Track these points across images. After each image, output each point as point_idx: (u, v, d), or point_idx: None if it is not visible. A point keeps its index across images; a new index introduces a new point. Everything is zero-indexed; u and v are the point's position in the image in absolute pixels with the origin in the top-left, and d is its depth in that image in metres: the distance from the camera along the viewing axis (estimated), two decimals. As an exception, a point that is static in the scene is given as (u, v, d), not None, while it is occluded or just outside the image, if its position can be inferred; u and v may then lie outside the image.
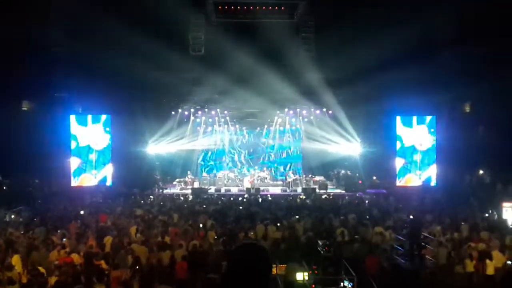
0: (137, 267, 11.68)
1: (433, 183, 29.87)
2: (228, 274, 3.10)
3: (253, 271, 3.05)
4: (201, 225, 16.59)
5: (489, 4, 23.36)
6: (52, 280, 10.80)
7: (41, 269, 11.04)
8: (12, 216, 20.02)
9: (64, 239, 14.27)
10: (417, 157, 29.93)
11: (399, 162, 30.03)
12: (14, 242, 13.67)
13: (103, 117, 29.72)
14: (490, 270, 12.33)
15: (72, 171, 29.18)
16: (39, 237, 14.44)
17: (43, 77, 26.06)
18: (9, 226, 16.99)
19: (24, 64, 24.46)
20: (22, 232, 15.56)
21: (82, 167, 29.32)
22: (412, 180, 29.93)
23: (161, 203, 24.02)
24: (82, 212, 20.39)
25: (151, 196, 27.18)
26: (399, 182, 29.91)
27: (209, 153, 35.28)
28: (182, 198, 26.74)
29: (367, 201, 25.35)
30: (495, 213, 20.12)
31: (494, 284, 12.36)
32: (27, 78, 25.61)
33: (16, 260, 11.74)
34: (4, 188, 27.50)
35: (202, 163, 35.18)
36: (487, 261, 12.41)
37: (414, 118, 30.19)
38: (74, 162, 29.25)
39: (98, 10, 23.91)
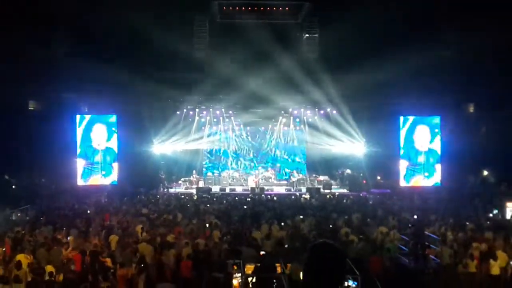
0: (142, 265, 11.77)
1: (440, 184, 29.79)
2: (307, 270, 3.16)
3: (331, 270, 3.11)
4: (206, 225, 16.66)
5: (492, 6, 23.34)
6: (59, 278, 10.92)
7: (49, 268, 11.14)
8: (19, 215, 20.18)
9: (70, 238, 14.38)
10: (422, 158, 29.90)
11: (404, 163, 30.02)
12: (22, 240, 13.79)
13: (109, 117, 29.86)
14: (494, 270, 12.35)
15: (80, 171, 29.33)
16: (45, 236, 14.55)
17: (49, 78, 26.20)
18: (15, 224, 17.14)
19: (31, 64, 24.59)
20: (28, 231, 15.68)
21: (90, 168, 29.47)
22: (421, 181, 29.85)
23: (166, 202, 24.13)
24: (88, 211, 20.53)
25: (157, 195, 27.31)
26: (406, 184, 29.82)
27: (214, 152, 35.36)
28: (187, 197, 26.84)
29: (371, 201, 25.38)
30: (499, 213, 20.14)
31: (498, 284, 12.40)
32: (33, 79, 25.75)
33: (20, 258, 11.84)
34: (11, 187, 27.67)
35: (207, 162, 35.26)
36: (491, 261, 12.43)
37: (419, 119, 30.17)
38: (81, 162, 29.40)
39: (103, 11, 24.04)
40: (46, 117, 28.19)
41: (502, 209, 20.21)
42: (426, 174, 29.85)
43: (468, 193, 25.63)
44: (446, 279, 12.81)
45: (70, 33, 26.72)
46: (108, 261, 12.05)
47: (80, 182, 29.28)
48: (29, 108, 29.79)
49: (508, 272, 12.55)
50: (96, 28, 25.60)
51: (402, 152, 29.97)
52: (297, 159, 35.53)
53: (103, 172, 29.52)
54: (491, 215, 20.15)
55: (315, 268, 3.13)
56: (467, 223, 17.22)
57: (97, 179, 29.49)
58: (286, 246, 13.98)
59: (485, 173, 29.08)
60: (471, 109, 30.84)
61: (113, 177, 29.52)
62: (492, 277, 12.35)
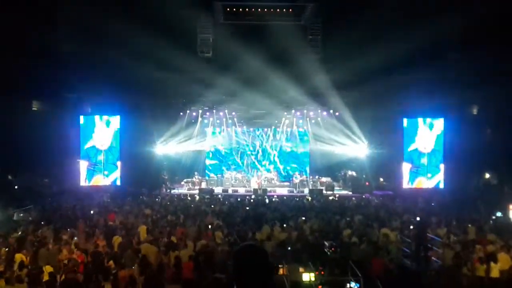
0: (145, 266, 11.77)
1: (440, 185, 29.81)
2: (233, 274, 3.25)
3: (255, 271, 3.20)
4: (209, 226, 16.67)
5: (497, 7, 23.30)
6: (60, 278, 10.94)
7: (48, 268, 11.16)
8: (21, 215, 20.23)
9: (75, 238, 14.41)
10: (425, 160, 29.87)
11: (407, 165, 29.99)
12: (25, 240, 13.83)
13: (112, 117, 29.95)
14: (495, 273, 12.33)
15: (82, 171, 29.43)
16: (48, 236, 14.59)
17: (53, 78, 26.27)
18: (18, 224, 17.18)
19: (35, 64, 24.66)
20: (31, 231, 15.71)
21: (93, 168, 29.58)
22: (424, 182, 29.83)
23: (169, 203, 24.17)
24: (91, 212, 20.58)
25: (159, 196, 27.36)
26: (409, 185, 29.81)
27: (217, 153, 35.38)
28: (189, 198, 26.87)
29: (373, 203, 25.36)
30: (502, 215, 20.10)
31: (499, 287, 12.37)
32: (37, 79, 25.82)
33: (17, 258, 11.89)
34: (14, 187, 27.74)
35: (210, 163, 35.29)
36: (492, 263, 12.40)
37: (421, 120, 30.16)
38: (83, 163, 29.51)
39: (107, 11, 24.09)
40: (50, 117, 28.27)
41: (505, 211, 20.16)
42: (429, 175, 29.83)
43: (471, 195, 25.59)
44: (448, 281, 12.78)
45: (74, 33, 26.77)
46: (111, 262, 12.05)
47: (83, 182, 29.38)
48: (33, 108, 29.88)
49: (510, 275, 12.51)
50: (100, 29, 25.65)
51: (405, 154, 29.97)
52: (300, 160, 35.49)
53: (106, 172, 29.62)
54: (494, 217, 20.10)
55: (240, 271, 3.23)
56: (470, 225, 17.19)
57: (100, 180, 29.58)
58: (288, 247, 13.98)
59: (488, 175, 29.02)
60: (475, 111, 30.78)
61: (116, 177, 29.59)
62: (493, 280, 12.32)
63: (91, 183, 29.39)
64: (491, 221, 19.13)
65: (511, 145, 24.88)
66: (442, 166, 29.66)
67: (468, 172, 28.26)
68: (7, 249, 13.06)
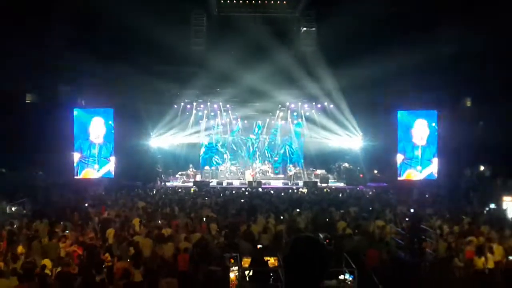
0: (139, 259, 11.77)
1: (434, 177, 29.92)
2: (286, 264, 3.17)
3: (310, 263, 3.11)
4: (203, 218, 16.68)
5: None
6: (55, 271, 10.92)
7: (45, 261, 11.14)
8: (15, 208, 20.15)
9: (67, 231, 14.38)
10: (418, 152, 29.96)
11: (400, 157, 30.09)
12: (19, 234, 13.80)
13: (106, 110, 29.84)
14: (490, 264, 12.40)
15: (75, 164, 29.35)
16: (42, 229, 14.55)
17: (47, 71, 26.13)
18: (12, 218, 17.12)
19: (28, 57, 24.52)
20: (25, 224, 15.66)
21: (85, 161, 29.51)
22: (413, 175, 29.96)
23: (163, 195, 24.16)
24: (86, 204, 20.53)
25: (154, 189, 27.33)
26: (399, 177, 29.94)
27: (211, 146, 35.35)
28: (184, 191, 26.87)
29: (368, 195, 25.44)
30: (496, 207, 20.21)
31: (493, 277, 12.46)
32: (31, 71, 25.68)
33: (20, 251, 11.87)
34: (8, 180, 27.61)
35: (204, 156, 35.25)
36: (488, 254, 12.48)
37: (416, 113, 30.22)
38: (77, 155, 29.43)
39: (101, 4, 23.95)
40: (43, 110, 28.14)
41: (498, 203, 20.28)
42: (419, 168, 29.92)
43: (464, 187, 25.71)
44: (442, 273, 12.86)
45: (67, 26, 26.60)
46: (107, 255, 12.05)
47: (77, 175, 29.32)
48: (26, 101, 29.72)
49: (504, 266, 12.59)
50: (93, 21, 25.52)
51: (399, 146, 30.06)
52: (294, 153, 35.51)
53: (97, 166, 29.51)
54: (487, 209, 20.21)
55: (296, 262, 3.12)
56: (463, 216, 17.28)
57: (92, 173, 29.49)
58: (283, 240, 14.01)
59: (481, 167, 29.15)
60: (468, 103, 30.88)
61: (110, 170, 29.53)
62: (488, 271, 12.40)
63: (82, 176, 29.30)
64: (484, 213, 19.25)
65: (504, 137, 24.96)
66: (435, 159, 29.75)
67: (462, 165, 28.39)
68: (0, 242, 13.02)
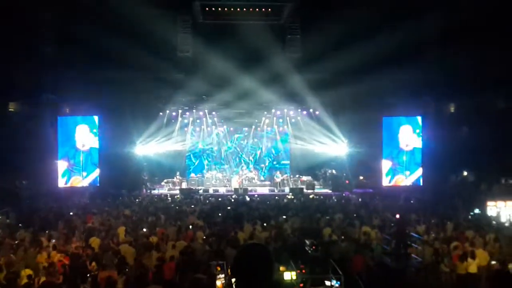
0: (124, 267, 11.70)
1: (419, 182, 30.14)
2: (233, 274, 3.33)
3: (255, 270, 3.24)
4: (190, 226, 16.62)
5: (474, 6, 23.62)
6: (40, 281, 10.79)
7: (27, 271, 11.02)
8: (-1, 218, 19.91)
9: (52, 240, 14.23)
10: (404, 158, 30.18)
11: (386, 163, 30.28)
12: (2, 243, 13.63)
13: (91, 118, 29.69)
14: (473, 268, 12.51)
15: (60, 173, 29.13)
16: (26, 238, 14.39)
17: (30, 79, 25.91)
18: (-5, 227, 16.93)
19: (12, 65, 24.31)
20: (9, 233, 15.48)
21: (71, 169, 29.30)
22: (401, 180, 30.16)
23: (149, 203, 24.02)
24: (70, 213, 20.35)
25: (139, 197, 27.17)
26: (388, 183, 30.11)
27: (197, 153, 35.25)
28: (170, 198, 26.74)
29: (354, 201, 25.52)
30: (480, 212, 20.38)
31: (477, 282, 12.56)
32: (14, 79, 25.45)
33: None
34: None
35: (190, 163, 35.13)
36: (470, 259, 12.58)
37: (400, 119, 30.47)
38: (62, 164, 29.21)
39: (86, 11, 23.86)
40: (27, 118, 27.89)
41: (482, 208, 20.46)
42: (408, 173, 30.16)
43: (449, 193, 25.91)
44: (428, 278, 12.95)
45: (51, 34, 26.45)
46: (94, 264, 11.95)
47: (61, 183, 29.08)
48: (9, 109, 29.42)
49: (488, 270, 12.69)
50: (77, 28, 25.37)
51: (384, 152, 30.26)
52: (280, 159, 35.54)
53: (84, 174, 29.36)
54: (472, 214, 20.38)
55: (241, 268, 3.27)
56: (448, 222, 17.41)
57: (78, 181, 29.29)
58: (269, 246, 13.99)
59: (465, 172, 29.41)
60: (452, 109, 31.18)
61: (94, 178, 29.34)
62: (472, 276, 12.50)
63: (69, 184, 29.09)
64: (469, 218, 19.41)
65: (487, 142, 25.24)
66: (420, 165, 29.98)
67: (446, 170, 28.60)
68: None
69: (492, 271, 12.36)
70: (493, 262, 12.70)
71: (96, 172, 29.38)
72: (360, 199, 26.10)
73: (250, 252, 3.32)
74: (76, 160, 29.32)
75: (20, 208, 22.14)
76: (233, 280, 3.30)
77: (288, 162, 35.36)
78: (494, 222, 18.57)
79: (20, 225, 17.36)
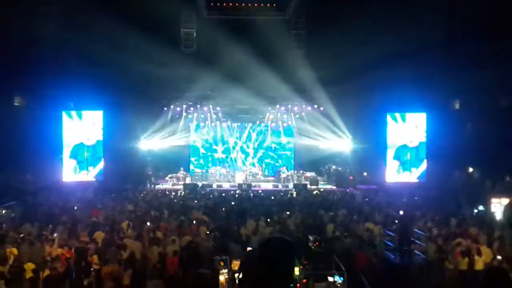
0: (129, 262, 11.73)
1: (423, 179, 30.08)
2: (256, 267, 3.31)
3: (277, 263, 3.26)
4: (193, 221, 16.64)
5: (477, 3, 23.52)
6: (44, 274, 10.86)
7: (31, 265, 11.08)
8: (4, 211, 19.99)
9: (56, 234, 14.29)
10: (409, 154, 30.12)
11: (390, 159, 30.23)
12: (6, 236, 13.69)
13: (95, 112, 29.76)
14: (479, 265, 12.48)
15: (65, 167, 29.21)
16: (30, 232, 14.45)
17: (35, 73, 25.95)
18: (0, 221, 16.99)
19: (16, 59, 24.36)
20: (13, 227, 15.55)
21: (76, 163, 29.37)
22: (405, 177, 30.11)
23: (153, 198, 24.07)
24: (75, 208, 20.42)
25: (144, 192, 27.22)
26: (392, 179, 30.04)
27: (201, 148, 35.27)
28: (174, 193, 26.78)
29: (357, 197, 25.49)
30: (485, 209, 20.31)
31: (482, 279, 12.50)
32: (19, 74, 25.50)
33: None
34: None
35: (194, 158, 35.16)
36: (476, 256, 12.56)
37: (405, 115, 30.38)
38: (66, 158, 29.28)
39: (90, 5, 23.85)
40: (32, 112, 27.94)
41: (487, 205, 20.39)
42: (413, 169, 30.11)
43: (453, 189, 25.83)
44: (432, 275, 12.92)
45: (55, 27, 26.43)
46: (95, 258, 12.00)
47: (66, 178, 29.15)
48: (15, 103, 29.50)
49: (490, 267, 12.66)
50: (83, 22, 25.40)
51: (388, 148, 30.21)
52: (285, 155, 35.51)
53: (90, 168, 29.42)
54: (476, 211, 20.32)
55: (265, 260, 3.28)
56: (452, 218, 17.36)
57: (83, 175, 29.38)
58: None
59: (470, 169, 29.32)
60: (457, 106, 31.07)
61: (98, 172, 29.41)
62: (476, 273, 12.46)
63: (74, 179, 29.16)
64: (473, 215, 19.36)
65: (492, 139, 25.14)
66: (424, 161, 29.93)
67: (450, 167, 28.52)
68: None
69: (493, 267, 12.34)
70: (499, 257, 12.67)
71: (100, 166, 29.44)
72: (363, 196, 26.06)
73: (276, 245, 3.34)
74: (81, 155, 29.38)
75: (25, 202, 22.21)
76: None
77: (292, 157, 35.32)
78: (498, 219, 18.51)
79: (24, 219, 17.40)
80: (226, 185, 31.06)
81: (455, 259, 12.79)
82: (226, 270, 10.98)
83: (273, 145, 35.41)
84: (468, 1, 23.75)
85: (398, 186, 28.69)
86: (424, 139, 30.08)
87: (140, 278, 11.03)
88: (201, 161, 35.11)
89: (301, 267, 10.60)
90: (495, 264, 12.36)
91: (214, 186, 30.30)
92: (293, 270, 3.34)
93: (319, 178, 32.68)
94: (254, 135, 35.33)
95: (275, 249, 3.30)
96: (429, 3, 25.56)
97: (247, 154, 35.26)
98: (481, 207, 20.62)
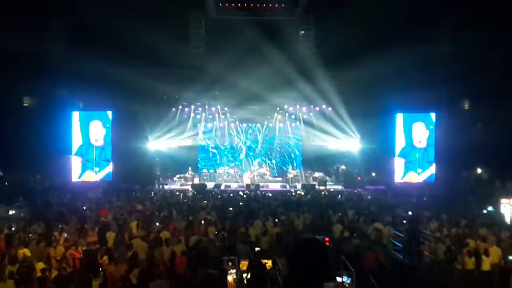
0: (136, 262, 11.76)
1: (432, 179, 29.92)
2: (290, 266, 3.29)
3: (313, 263, 3.21)
4: (201, 221, 16.67)
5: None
6: (52, 274, 10.90)
7: (40, 264, 11.13)
8: (13, 212, 20.10)
9: (65, 234, 14.35)
10: (417, 155, 29.97)
11: (398, 160, 30.10)
12: (14, 236, 13.77)
13: (104, 113, 29.85)
14: (486, 266, 12.42)
15: (73, 167, 29.32)
16: (39, 232, 14.52)
17: (44, 74, 26.11)
18: (10, 221, 17.09)
19: (26, 60, 24.53)
20: (22, 227, 15.63)
21: (84, 164, 29.48)
22: (413, 177, 29.96)
23: (161, 198, 24.11)
24: (84, 208, 20.50)
25: (152, 192, 27.29)
26: (401, 180, 29.92)
27: (209, 149, 35.27)
28: (182, 193, 26.83)
29: (366, 197, 25.43)
30: (494, 209, 20.20)
31: (490, 280, 12.46)
32: (28, 74, 25.65)
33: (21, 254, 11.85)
34: (5, 183, 27.57)
35: (202, 159, 35.17)
36: (484, 257, 12.50)
37: (414, 115, 30.24)
38: (75, 159, 29.40)
39: (99, 6, 23.97)
40: (41, 113, 28.10)
41: (496, 206, 20.27)
42: (420, 170, 29.95)
43: (462, 190, 25.71)
44: (440, 275, 12.87)
45: (65, 29, 26.59)
46: (105, 259, 12.03)
47: (74, 178, 29.27)
48: (24, 104, 29.69)
49: (502, 267, 12.60)
50: (91, 24, 25.52)
51: (397, 148, 30.08)
52: (293, 155, 35.44)
53: (97, 169, 29.52)
54: (485, 211, 20.21)
55: (299, 263, 3.22)
56: (461, 219, 17.28)
57: (91, 175, 29.48)
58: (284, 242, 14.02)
59: (479, 170, 29.16)
60: (466, 106, 30.92)
61: (107, 173, 29.50)
62: (485, 273, 12.41)
63: (82, 179, 29.27)
64: (482, 215, 19.25)
65: (502, 139, 25.01)
66: (433, 162, 29.77)
67: (460, 167, 28.39)
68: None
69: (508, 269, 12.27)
70: (511, 257, 12.59)
71: (109, 167, 29.54)
72: (371, 196, 25.99)
73: (312, 247, 3.29)
74: (89, 155, 29.49)
75: (34, 202, 22.34)
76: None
77: (300, 158, 35.24)
78: (507, 220, 18.40)
79: (33, 219, 17.50)
80: (234, 186, 31.06)
81: (464, 260, 12.73)
82: (234, 270, 11.00)
83: (281, 146, 35.33)
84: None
85: (407, 187, 28.58)
86: (433, 140, 29.91)
87: (148, 278, 11.06)
88: (210, 161, 35.12)
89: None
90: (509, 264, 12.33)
91: (222, 187, 30.30)
92: (324, 275, 3.23)
93: (327, 178, 32.58)
94: (262, 136, 35.29)
95: (309, 251, 3.25)
96: (439, 3, 25.45)
97: (255, 155, 35.23)
98: (490, 208, 20.50)
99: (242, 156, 35.17)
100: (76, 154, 29.49)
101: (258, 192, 27.22)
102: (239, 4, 29.62)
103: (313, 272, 3.17)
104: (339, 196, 25.47)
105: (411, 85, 27.36)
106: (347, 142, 32.38)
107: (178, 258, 12.35)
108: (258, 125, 35.04)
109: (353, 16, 24.87)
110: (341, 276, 10.86)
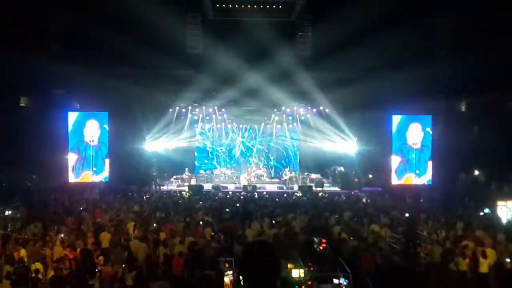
0: (132, 263, 11.74)
1: (429, 181, 29.92)
2: (239, 271, 3.29)
3: (260, 268, 3.23)
4: (199, 222, 16.65)
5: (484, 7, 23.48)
6: (48, 275, 10.88)
7: (37, 265, 11.10)
8: (9, 212, 20.03)
9: (61, 235, 14.31)
10: (414, 156, 29.97)
11: (395, 161, 30.10)
12: (10, 237, 13.73)
13: (101, 113, 29.75)
14: (483, 268, 12.44)
15: (70, 168, 29.21)
16: (35, 233, 14.48)
17: (41, 74, 26.05)
18: (6, 221, 17.04)
19: (23, 60, 24.46)
20: (18, 228, 15.58)
21: (81, 163, 29.35)
22: (411, 179, 29.95)
23: (158, 199, 24.09)
24: (80, 208, 20.45)
25: (149, 193, 27.25)
26: (398, 182, 29.92)
27: (206, 150, 35.27)
28: (179, 194, 26.80)
29: (363, 199, 25.45)
30: (490, 211, 20.23)
31: (487, 282, 12.48)
32: (25, 74, 25.60)
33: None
34: (2, 184, 27.49)
35: (199, 160, 35.16)
36: (481, 259, 12.51)
37: (410, 117, 30.25)
38: (72, 159, 29.28)
39: (96, 7, 23.94)
40: (38, 113, 28.05)
41: (493, 208, 20.31)
42: (418, 171, 29.94)
43: (459, 192, 25.75)
44: (437, 277, 12.88)
45: (61, 29, 26.54)
46: (101, 259, 12.01)
47: (71, 179, 29.15)
48: (21, 104, 29.61)
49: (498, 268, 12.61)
50: (87, 24, 25.48)
51: (394, 149, 30.07)
52: (289, 157, 35.47)
53: (94, 169, 29.39)
54: (482, 213, 20.24)
55: (247, 266, 3.26)
56: (458, 221, 17.30)
57: (88, 176, 29.36)
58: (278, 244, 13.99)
59: (476, 172, 29.21)
60: (463, 108, 30.97)
61: (105, 174, 29.39)
62: (482, 275, 12.42)
63: (79, 179, 29.14)
64: (479, 218, 19.28)
65: (498, 141, 25.07)
66: (430, 163, 29.77)
67: (456, 169, 28.43)
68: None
69: (505, 270, 12.27)
70: (508, 260, 12.61)
71: (106, 168, 29.43)
72: (368, 198, 26.00)
73: (255, 250, 3.31)
74: (86, 155, 29.38)
75: (30, 203, 22.26)
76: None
77: (297, 159, 35.27)
78: (504, 222, 18.44)
79: (30, 219, 17.43)
80: (231, 187, 31.06)
81: (461, 262, 12.74)
82: (231, 272, 10.98)
83: (278, 147, 35.34)
84: (476, 3, 23.69)
85: (403, 188, 28.58)
86: (429, 141, 29.92)
87: (144, 279, 11.04)
88: (207, 162, 35.10)
89: (306, 268, 10.58)
90: (505, 266, 12.34)
91: (219, 188, 30.27)
92: (276, 275, 3.27)
93: (324, 180, 32.62)
94: (259, 137, 35.30)
95: (254, 254, 3.27)
96: (436, 5, 25.50)
97: (252, 156, 35.23)
98: (487, 210, 20.54)
99: (239, 157, 35.17)
100: (73, 152, 29.36)
101: (255, 193, 27.22)
102: (236, 5, 29.61)
103: (262, 273, 3.20)
104: (336, 198, 25.50)
105: (407, 87, 27.40)
106: (344, 144, 32.41)
107: (175, 259, 12.34)
108: (255, 126, 35.07)
109: (351, 19, 24.88)
110: (337, 278, 10.85)
